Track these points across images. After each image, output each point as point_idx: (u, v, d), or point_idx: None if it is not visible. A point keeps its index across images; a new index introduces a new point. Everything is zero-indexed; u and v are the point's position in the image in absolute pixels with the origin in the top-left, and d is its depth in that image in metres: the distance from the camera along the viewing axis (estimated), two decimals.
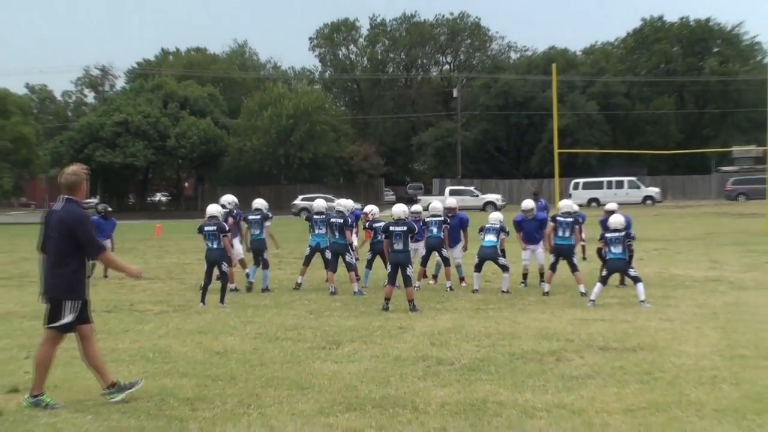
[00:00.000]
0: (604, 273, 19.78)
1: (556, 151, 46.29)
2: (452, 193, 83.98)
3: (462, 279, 23.42)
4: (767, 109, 43.90)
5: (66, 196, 10.67)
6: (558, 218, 21.42)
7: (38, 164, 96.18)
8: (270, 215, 23.60)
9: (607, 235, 19.77)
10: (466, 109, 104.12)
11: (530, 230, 22.55)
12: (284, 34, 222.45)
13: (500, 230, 22.00)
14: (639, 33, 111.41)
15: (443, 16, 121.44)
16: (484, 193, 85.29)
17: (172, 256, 33.43)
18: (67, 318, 10.52)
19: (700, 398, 10.45)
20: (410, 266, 19.42)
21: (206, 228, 20.12)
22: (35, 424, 9.59)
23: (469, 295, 21.40)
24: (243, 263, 23.99)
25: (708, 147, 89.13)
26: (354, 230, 22.98)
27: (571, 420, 9.53)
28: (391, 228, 19.41)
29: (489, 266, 22.62)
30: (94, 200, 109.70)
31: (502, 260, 21.90)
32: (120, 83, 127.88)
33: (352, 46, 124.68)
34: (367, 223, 23.19)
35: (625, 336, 14.87)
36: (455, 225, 23.28)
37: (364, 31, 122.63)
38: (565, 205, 21.99)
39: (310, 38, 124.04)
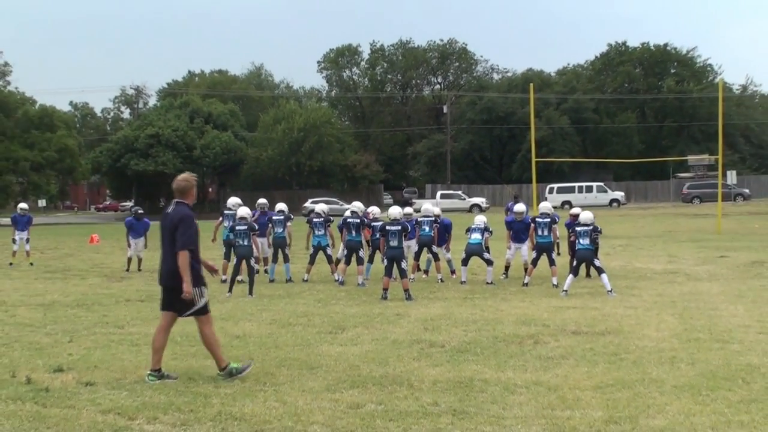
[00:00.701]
0: (574, 263, 19.83)
1: (534, 159, 46.31)
2: (442, 196, 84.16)
3: (452, 272, 23.41)
4: (718, 122, 43.94)
5: (177, 200, 10.85)
6: (537, 219, 21.57)
7: (80, 172, 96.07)
8: (291, 216, 23.68)
9: (578, 228, 19.83)
10: (454, 123, 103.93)
11: (518, 230, 22.54)
12: (296, 58, 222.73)
13: (485, 230, 22.01)
14: (605, 56, 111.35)
15: (434, 41, 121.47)
16: (470, 197, 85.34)
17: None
18: (201, 302, 10.71)
19: (660, 376, 10.41)
20: (404, 261, 19.47)
21: (238, 227, 20.17)
22: (77, 399, 9.53)
23: (457, 286, 21.38)
24: (266, 260, 24.02)
25: (666, 156, 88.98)
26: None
27: (548, 395, 9.49)
28: (388, 227, 19.47)
29: (475, 261, 22.60)
30: (129, 203, 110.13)
31: (486, 255, 21.89)
32: (152, 101, 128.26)
33: (355, 69, 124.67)
34: (366, 221, 23.15)
35: (595, 321, 14.85)
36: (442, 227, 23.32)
37: (366, 55, 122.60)
38: (544, 206, 22.21)
39: (318, 62, 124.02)
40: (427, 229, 22.34)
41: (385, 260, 19.46)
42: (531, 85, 52.37)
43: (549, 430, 8.23)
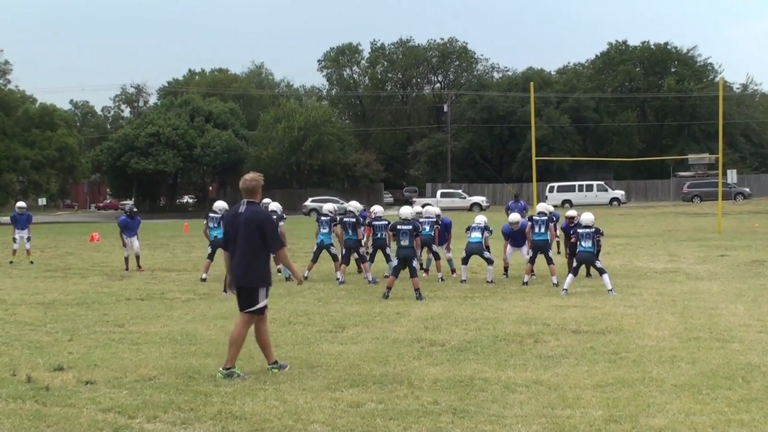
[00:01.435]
0: (575, 264, 19.82)
1: (534, 158, 46.27)
2: (443, 195, 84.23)
3: (453, 271, 23.41)
4: (719, 121, 43.92)
5: (247, 200, 10.93)
6: (534, 218, 21.58)
7: (81, 171, 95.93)
8: (284, 216, 23.62)
9: (579, 230, 19.77)
10: (455, 122, 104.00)
11: (516, 236, 22.54)
12: (296, 56, 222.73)
13: (485, 229, 22.02)
14: (606, 55, 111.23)
15: (435, 40, 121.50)
16: (471, 196, 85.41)
17: (198, 251, 33.34)
18: (263, 302, 10.83)
19: (661, 375, 10.40)
20: (415, 260, 19.46)
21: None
22: (78, 398, 9.53)
23: (457, 285, 21.37)
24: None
25: (667, 155, 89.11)
26: (362, 228, 22.95)
27: (548, 394, 9.49)
28: (399, 226, 19.44)
29: (475, 259, 22.60)
30: (129, 202, 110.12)
31: (486, 254, 21.89)
32: (153, 100, 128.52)
33: (355, 67, 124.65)
34: (368, 221, 23.16)
35: (595, 320, 14.85)
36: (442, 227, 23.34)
37: (366, 54, 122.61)
38: (542, 206, 22.24)
39: (319, 60, 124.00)
40: (427, 228, 22.32)
41: (396, 259, 19.41)
42: (531, 83, 52.36)
43: (549, 428, 8.23)
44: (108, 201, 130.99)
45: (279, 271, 23.60)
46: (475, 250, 21.84)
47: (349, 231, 22.22)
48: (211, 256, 23.14)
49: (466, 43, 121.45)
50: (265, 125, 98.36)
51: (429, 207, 23.76)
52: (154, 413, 8.83)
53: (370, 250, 22.97)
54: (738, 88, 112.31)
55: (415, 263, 19.31)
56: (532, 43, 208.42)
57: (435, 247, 22.82)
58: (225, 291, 19.64)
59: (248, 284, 10.73)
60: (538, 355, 11.75)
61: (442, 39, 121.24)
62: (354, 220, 22.34)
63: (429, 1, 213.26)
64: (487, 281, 21.56)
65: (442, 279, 22.38)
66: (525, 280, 21.29)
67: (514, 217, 22.69)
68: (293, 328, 14.29)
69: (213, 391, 9.81)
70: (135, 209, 27.65)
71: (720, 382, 9.99)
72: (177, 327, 14.80)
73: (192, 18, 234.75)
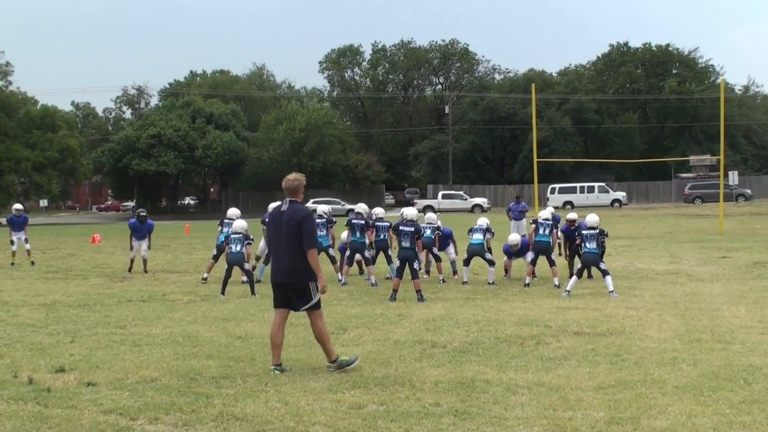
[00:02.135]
0: (579, 266, 19.82)
1: (535, 160, 46.31)
2: (444, 197, 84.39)
3: (454, 272, 23.43)
4: (720, 123, 43.93)
5: (290, 198, 11.13)
6: (539, 221, 21.61)
7: (82, 172, 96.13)
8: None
9: (584, 232, 19.76)
10: (456, 123, 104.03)
11: (517, 254, 22.54)
12: (297, 58, 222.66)
13: (486, 231, 22.06)
14: (607, 57, 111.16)
15: (436, 42, 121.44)
16: (472, 197, 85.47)
17: (199, 253, 33.36)
18: (317, 296, 10.98)
19: (662, 377, 10.40)
20: (416, 261, 19.46)
21: (233, 234, 20.36)
22: (79, 399, 9.52)
23: (459, 286, 21.43)
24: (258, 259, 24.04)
25: (668, 156, 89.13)
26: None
27: (550, 396, 9.48)
28: (401, 227, 19.42)
29: (477, 261, 22.61)
30: (131, 203, 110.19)
31: (488, 256, 21.92)
32: (154, 101, 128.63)
33: (356, 69, 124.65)
34: (370, 222, 23.12)
35: (597, 322, 14.85)
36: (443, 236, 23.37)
37: (367, 55, 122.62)
38: (545, 212, 22.23)
39: (320, 62, 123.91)
40: (428, 232, 22.29)
41: (398, 261, 19.41)
42: (533, 85, 52.33)
43: (551, 430, 8.22)
44: (109, 202, 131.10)
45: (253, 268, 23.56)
46: (476, 251, 21.87)
47: (357, 233, 22.22)
48: (215, 257, 23.23)
49: (468, 45, 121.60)
50: (267, 127, 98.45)
51: (430, 214, 23.88)
52: (156, 415, 8.83)
53: (373, 252, 22.96)
54: (740, 90, 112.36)
55: (416, 265, 19.33)
56: (534, 45, 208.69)
57: (435, 250, 22.85)
58: (222, 293, 19.78)
59: (295, 281, 10.95)
60: (540, 357, 11.76)
61: (444, 41, 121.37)
62: (363, 222, 22.34)
63: (430, 3, 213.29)
64: (489, 283, 21.58)
65: (443, 281, 22.40)
66: (526, 282, 21.31)
67: (514, 238, 22.69)
68: (295, 329, 14.25)
69: (214, 392, 9.80)
70: (144, 213, 27.54)
71: (721, 384, 9.99)
72: (178, 328, 14.80)
73: (193, 19, 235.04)
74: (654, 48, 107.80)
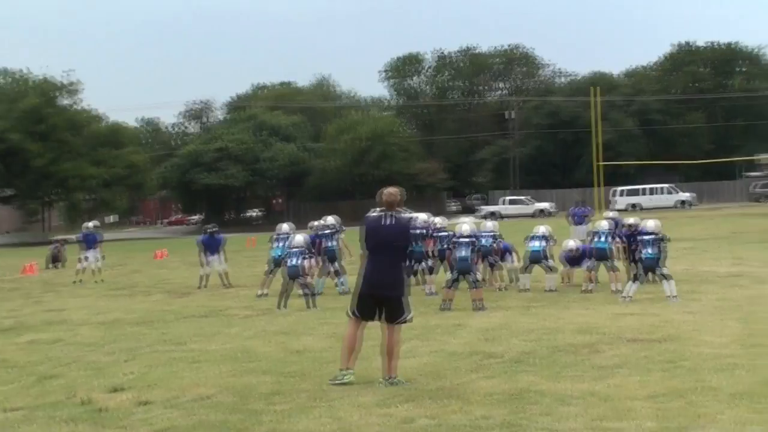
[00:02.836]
0: (640, 272, 19.66)
1: (595, 163, 46.21)
2: (510, 202, 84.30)
3: (512, 281, 23.34)
4: None
5: (391, 212, 11.28)
6: (596, 231, 21.90)
7: (149, 187, 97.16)
8: (343, 228, 23.97)
9: (644, 237, 19.58)
10: (520, 128, 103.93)
11: (576, 260, 22.44)
12: (360, 67, 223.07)
13: (546, 238, 21.99)
14: (673, 56, 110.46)
15: (499, 47, 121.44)
16: (537, 202, 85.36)
17: (263, 266, 33.47)
18: (409, 312, 11.35)
19: (717, 384, 10.29)
20: (473, 272, 19.38)
21: (292, 249, 20.62)
22: (132, 419, 9.65)
23: (518, 294, 21.28)
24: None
25: (736, 155, 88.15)
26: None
27: (600, 406, 9.43)
28: (456, 239, 19.49)
29: (537, 269, 22.41)
30: (197, 217, 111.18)
31: (548, 263, 21.84)
32: (219, 115, 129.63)
33: (419, 77, 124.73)
34: (430, 231, 23.07)
35: (653, 328, 14.74)
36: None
37: (429, 63, 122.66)
38: (603, 223, 22.34)
39: (384, 71, 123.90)
40: (483, 241, 22.18)
41: (454, 272, 19.41)
42: (592, 88, 52.22)
43: None
44: (176, 216, 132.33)
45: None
46: (535, 258, 21.78)
47: (417, 242, 22.20)
48: (270, 272, 23.43)
49: (532, 49, 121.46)
50: (330, 137, 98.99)
51: (489, 221, 23.83)
52: None
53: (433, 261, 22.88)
54: None
55: (477, 275, 19.32)
56: (597, 47, 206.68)
57: (492, 259, 22.68)
58: (278, 307, 19.89)
59: (394, 294, 11.13)
60: (593, 366, 11.71)
61: (506, 45, 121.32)
62: (423, 231, 22.32)
63: (492, 9, 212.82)
64: (547, 290, 21.48)
65: (502, 289, 22.31)
66: (588, 288, 21.11)
67: (571, 243, 22.59)
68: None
69: (266, 409, 9.86)
70: (215, 228, 27.59)
71: None
72: (236, 344, 14.93)
73: (256, 31, 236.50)
74: (720, 46, 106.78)
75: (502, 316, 17.33)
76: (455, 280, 19.10)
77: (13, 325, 19.28)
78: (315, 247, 22.89)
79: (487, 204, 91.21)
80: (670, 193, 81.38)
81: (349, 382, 10.95)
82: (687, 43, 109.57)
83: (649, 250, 19.16)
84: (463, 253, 19.09)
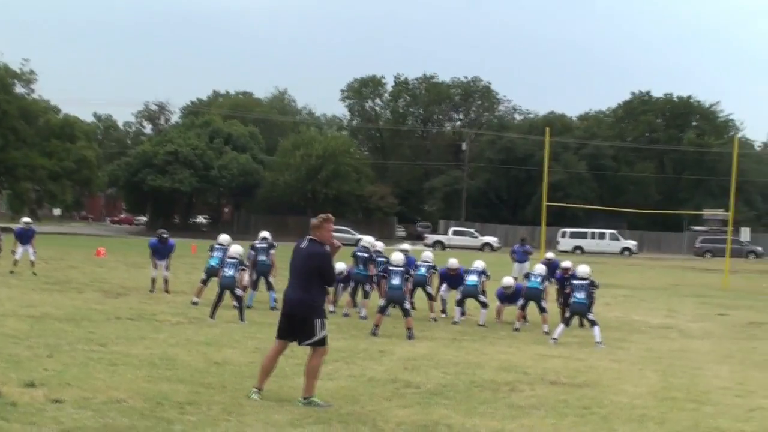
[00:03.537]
0: (567, 315, 19.87)
1: (545, 203, 46.42)
2: (455, 233, 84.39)
3: (443, 311, 23.48)
4: (731, 178, 43.94)
5: (310, 237, 11.34)
6: (530, 273, 22.40)
7: (97, 184, 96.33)
8: (275, 245, 24.09)
9: (574, 282, 19.81)
10: (473, 160, 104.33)
11: (510, 298, 22.60)
12: (320, 85, 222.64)
13: (482, 273, 22.09)
14: (628, 104, 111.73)
15: (458, 78, 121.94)
16: (483, 235, 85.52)
17: (200, 274, 33.31)
18: (321, 333, 11.22)
19: None
20: (406, 301, 19.50)
21: (228, 258, 20.60)
22: (41, 416, 9.52)
23: (448, 326, 21.38)
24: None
25: (683, 208, 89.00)
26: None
27: None
28: (390, 267, 19.63)
29: (471, 302, 22.52)
30: (144, 218, 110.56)
31: (482, 298, 21.91)
32: (175, 118, 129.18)
33: (377, 100, 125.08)
34: (373, 255, 23.09)
35: (576, 373, 14.82)
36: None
37: (389, 87, 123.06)
38: (539, 267, 22.50)
39: (342, 90, 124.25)
40: (422, 270, 22.38)
41: (384, 300, 19.50)
42: (546, 128, 52.51)
43: None
44: (123, 216, 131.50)
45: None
46: (470, 293, 21.88)
47: (360, 265, 22.27)
48: (204, 282, 23.33)
49: (489, 83, 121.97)
50: (284, 151, 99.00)
51: (427, 252, 24.09)
52: None
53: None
54: (759, 146, 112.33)
55: (406, 304, 19.39)
56: (556, 88, 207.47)
57: (429, 288, 22.81)
58: (211, 316, 19.81)
59: (303, 314, 11.12)
60: (509, 405, 11.74)
61: (466, 77, 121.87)
62: (366, 255, 22.38)
63: (455, 39, 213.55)
64: (479, 324, 21.55)
65: (434, 319, 22.35)
66: (516, 326, 21.29)
67: (508, 280, 22.84)
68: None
69: (176, 418, 9.81)
70: (166, 235, 27.38)
71: None
72: (159, 350, 14.82)
73: (219, 40, 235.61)
74: (675, 99, 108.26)
75: (426, 347, 17.35)
76: (385, 307, 19.18)
77: None
78: (249, 259, 22.97)
79: (434, 233, 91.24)
80: (614, 239, 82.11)
81: (255, 400, 10.99)
82: (644, 92, 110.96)
83: (579, 295, 19.36)
84: (396, 281, 19.20)
